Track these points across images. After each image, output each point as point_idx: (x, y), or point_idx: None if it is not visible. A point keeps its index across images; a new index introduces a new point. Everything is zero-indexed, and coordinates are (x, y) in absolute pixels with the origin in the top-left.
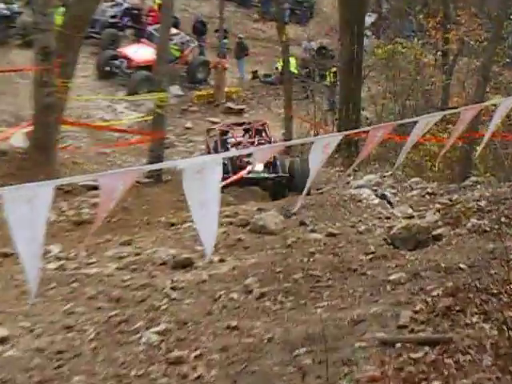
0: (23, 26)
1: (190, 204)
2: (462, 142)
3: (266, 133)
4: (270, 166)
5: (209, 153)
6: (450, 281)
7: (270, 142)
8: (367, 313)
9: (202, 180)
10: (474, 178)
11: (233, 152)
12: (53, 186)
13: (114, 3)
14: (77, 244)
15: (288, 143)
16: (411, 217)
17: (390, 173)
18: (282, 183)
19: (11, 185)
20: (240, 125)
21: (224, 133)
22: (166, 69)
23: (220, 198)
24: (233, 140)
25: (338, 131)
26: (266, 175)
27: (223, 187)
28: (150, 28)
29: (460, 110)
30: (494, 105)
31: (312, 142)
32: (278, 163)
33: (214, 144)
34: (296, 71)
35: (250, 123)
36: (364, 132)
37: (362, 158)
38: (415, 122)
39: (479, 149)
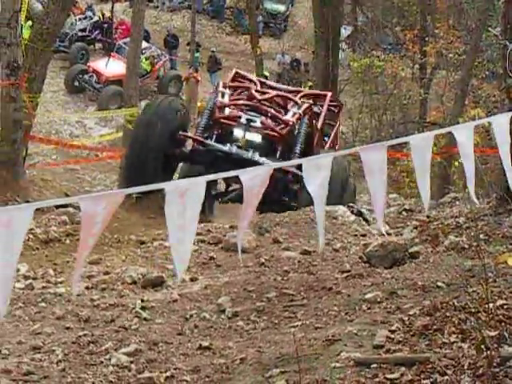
0: None
1: (169, 227)
2: (439, 158)
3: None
4: (278, 146)
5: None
6: (428, 299)
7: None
8: (342, 332)
9: (183, 204)
10: (452, 195)
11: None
12: (32, 210)
13: (83, 16)
14: (45, 263)
15: (274, 165)
16: (388, 234)
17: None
18: (289, 188)
19: None
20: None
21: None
22: (136, 83)
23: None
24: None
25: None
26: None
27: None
28: (120, 42)
29: (451, 129)
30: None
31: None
32: (298, 148)
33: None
34: None
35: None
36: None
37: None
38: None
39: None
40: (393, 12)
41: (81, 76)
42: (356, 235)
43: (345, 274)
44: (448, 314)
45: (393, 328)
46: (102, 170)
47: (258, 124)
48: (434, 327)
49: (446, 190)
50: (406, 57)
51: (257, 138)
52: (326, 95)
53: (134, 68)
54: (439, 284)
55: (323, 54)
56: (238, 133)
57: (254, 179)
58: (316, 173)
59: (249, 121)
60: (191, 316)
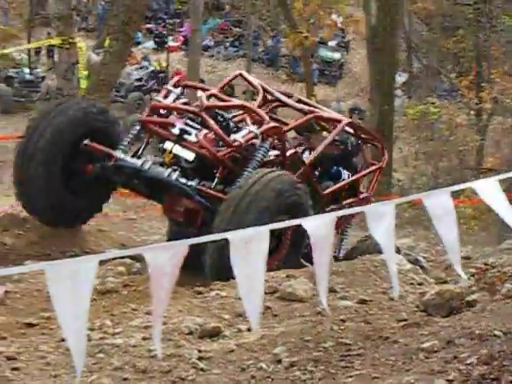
0: (47, 90)
1: (237, 276)
2: None
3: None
4: (217, 171)
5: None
6: (485, 348)
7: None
8: (400, 382)
9: (249, 252)
10: (510, 241)
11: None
12: (97, 261)
13: (139, 66)
14: (102, 313)
15: (339, 213)
16: (445, 282)
17: None
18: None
19: (48, 255)
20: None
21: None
22: None
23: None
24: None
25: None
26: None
27: None
28: None
29: None
30: None
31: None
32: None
33: None
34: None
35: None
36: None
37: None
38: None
39: None
40: (448, 58)
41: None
42: (412, 284)
43: (402, 323)
44: (505, 362)
45: (450, 377)
46: (159, 219)
47: (192, 138)
48: (492, 376)
49: (504, 237)
50: (462, 103)
51: (188, 155)
52: (340, 120)
53: None
54: (496, 333)
55: (378, 101)
56: (167, 145)
57: (320, 228)
58: (379, 221)
59: (183, 132)
60: (248, 366)
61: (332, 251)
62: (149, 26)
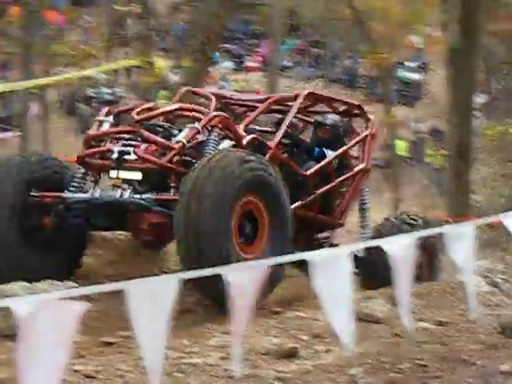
0: None
1: (321, 299)
2: None
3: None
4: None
5: None
6: None
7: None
8: None
9: (331, 274)
10: None
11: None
12: (177, 280)
13: (217, 86)
14: (178, 332)
15: (419, 234)
16: None
17: None
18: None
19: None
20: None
21: None
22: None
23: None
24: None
25: (448, 215)
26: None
27: None
28: None
29: None
30: None
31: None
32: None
33: None
34: (405, 154)
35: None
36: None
37: None
38: None
39: None
40: None
41: None
42: (490, 305)
43: (479, 346)
44: None
45: None
46: None
47: (132, 157)
48: None
49: None
50: None
51: (135, 175)
52: (296, 95)
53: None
54: None
55: (457, 123)
56: (113, 174)
57: (400, 250)
58: (459, 242)
59: (121, 154)
60: None
61: (412, 273)
62: (226, 46)
